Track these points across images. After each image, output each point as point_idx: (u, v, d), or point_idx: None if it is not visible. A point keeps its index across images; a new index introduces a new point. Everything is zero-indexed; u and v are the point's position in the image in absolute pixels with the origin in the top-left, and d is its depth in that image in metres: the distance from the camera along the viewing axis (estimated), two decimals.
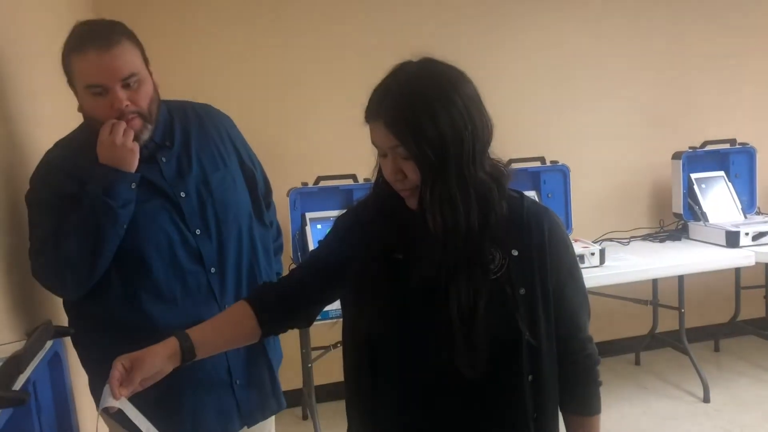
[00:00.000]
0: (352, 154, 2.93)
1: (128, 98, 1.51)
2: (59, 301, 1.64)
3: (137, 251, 1.55)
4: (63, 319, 1.65)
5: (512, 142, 3.11)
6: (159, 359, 1.21)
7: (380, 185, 1.28)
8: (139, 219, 1.54)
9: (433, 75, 1.17)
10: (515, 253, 1.22)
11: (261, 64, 3.48)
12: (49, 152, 1.61)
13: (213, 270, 1.63)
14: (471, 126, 1.15)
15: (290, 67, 3.53)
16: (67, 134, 1.65)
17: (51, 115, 1.98)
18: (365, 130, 1.22)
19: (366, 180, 3.36)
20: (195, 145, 1.67)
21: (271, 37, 3.50)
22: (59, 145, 1.63)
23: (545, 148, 3.71)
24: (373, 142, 1.21)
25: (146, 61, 1.58)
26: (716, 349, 4.19)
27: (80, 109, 1.58)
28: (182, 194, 1.61)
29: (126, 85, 1.51)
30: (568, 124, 3.93)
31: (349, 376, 1.36)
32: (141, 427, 1.19)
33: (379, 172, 1.26)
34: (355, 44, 3.59)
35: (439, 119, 1.13)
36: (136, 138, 1.54)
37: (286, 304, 1.35)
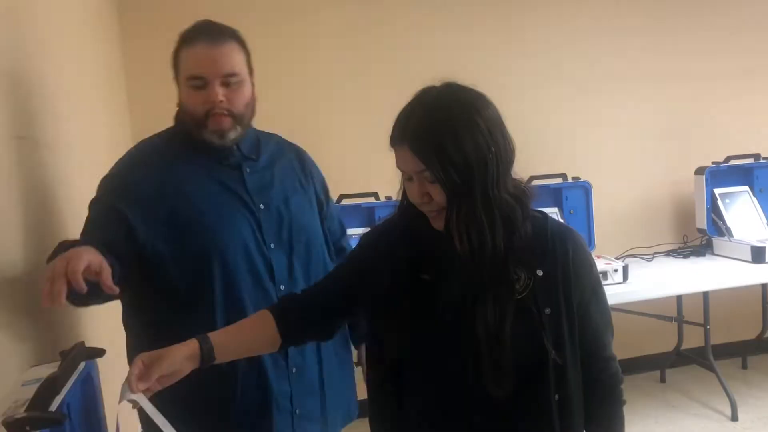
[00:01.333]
0: (374, 173, 2.95)
1: (224, 95, 1.53)
2: (92, 322, 1.66)
3: (211, 254, 1.52)
4: (94, 340, 1.67)
5: (534, 158, 3.11)
6: (178, 359, 1.22)
7: (405, 207, 1.29)
8: (217, 219, 1.54)
9: (456, 99, 1.19)
10: (540, 273, 1.23)
11: (285, 84, 3.52)
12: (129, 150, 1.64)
13: (282, 287, 1.61)
14: (495, 148, 1.16)
15: (313, 88, 3.57)
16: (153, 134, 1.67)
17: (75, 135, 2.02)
18: (386, 149, 1.24)
19: (387, 198, 3.38)
20: (278, 169, 1.70)
21: (294, 58, 3.54)
22: (140, 142, 1.66)
23: (567, 165, 3.71)
24: (399, 167, 1.22)
25: (251, 70, 1.61)
26: (744, 366, 4.13)
27: (178, 104, 1.60)
28: (261, 206, 1.62)
29: (225, 83, 1.53)
30: (589, 140, 3.93)
31: (373, 394, 1.37)
32: (157, 422, 1.20)
33: (404, 194, 1.28)
34: (376, 64, 3.62)
35: (463, 143, 1.14)
36: (224, 136, 1.55)
37: (306, 316, 1.36)
